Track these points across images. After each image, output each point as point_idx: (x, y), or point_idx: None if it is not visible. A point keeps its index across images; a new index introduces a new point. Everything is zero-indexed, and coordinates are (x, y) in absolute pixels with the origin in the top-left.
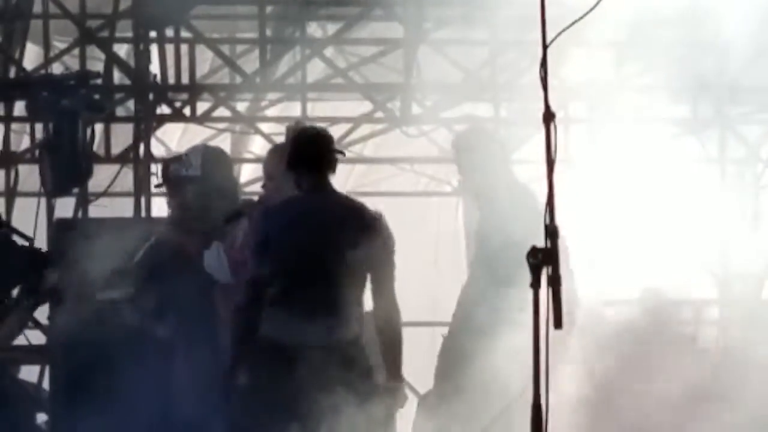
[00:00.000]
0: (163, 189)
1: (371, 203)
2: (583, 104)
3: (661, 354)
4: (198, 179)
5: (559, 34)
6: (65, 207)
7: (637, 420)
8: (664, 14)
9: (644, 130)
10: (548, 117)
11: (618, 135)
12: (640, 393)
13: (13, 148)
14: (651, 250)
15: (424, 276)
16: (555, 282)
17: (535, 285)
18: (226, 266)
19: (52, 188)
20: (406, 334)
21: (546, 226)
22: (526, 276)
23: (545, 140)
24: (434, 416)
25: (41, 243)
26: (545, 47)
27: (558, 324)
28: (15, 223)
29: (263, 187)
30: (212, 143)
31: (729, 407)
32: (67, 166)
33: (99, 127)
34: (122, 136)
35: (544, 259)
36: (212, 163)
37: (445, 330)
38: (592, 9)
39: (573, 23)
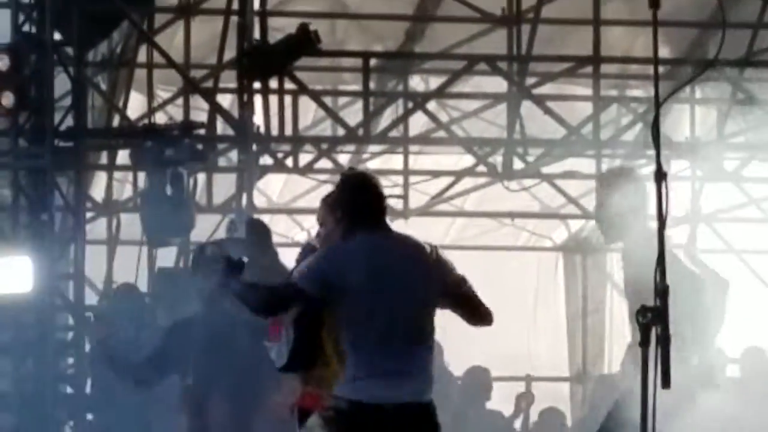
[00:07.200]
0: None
1: (471, 257)
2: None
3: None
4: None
5: (672, 93)
6: (167, 256)
7: None
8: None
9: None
10: (660, 176)
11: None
12: None
13: (115, 196)
14: (754, 308)
15: (522, 331)
16: (664, 341)
17: (644, 343)
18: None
19: (155, 237)
20: (504, 388)
21: (656, 285)
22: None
23: (656, 198)
24: None
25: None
26: (658, 105)
27: (666, 383)
28: (116, 270)
29: (317, 234)
30: (314, 194)
31: None
32: (169, 216)
33: (201, 177)
34: (224, 186)
35: (654, 319)
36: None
37: (542, 385)
38: (702, 71)
39: (685, 84)
